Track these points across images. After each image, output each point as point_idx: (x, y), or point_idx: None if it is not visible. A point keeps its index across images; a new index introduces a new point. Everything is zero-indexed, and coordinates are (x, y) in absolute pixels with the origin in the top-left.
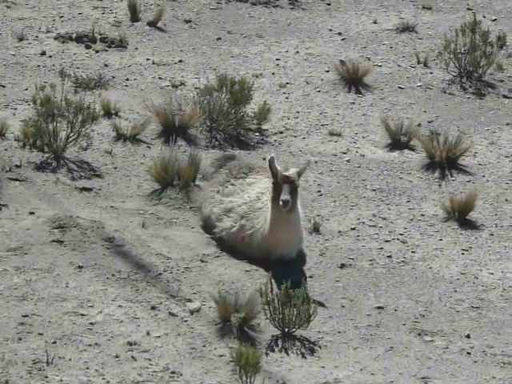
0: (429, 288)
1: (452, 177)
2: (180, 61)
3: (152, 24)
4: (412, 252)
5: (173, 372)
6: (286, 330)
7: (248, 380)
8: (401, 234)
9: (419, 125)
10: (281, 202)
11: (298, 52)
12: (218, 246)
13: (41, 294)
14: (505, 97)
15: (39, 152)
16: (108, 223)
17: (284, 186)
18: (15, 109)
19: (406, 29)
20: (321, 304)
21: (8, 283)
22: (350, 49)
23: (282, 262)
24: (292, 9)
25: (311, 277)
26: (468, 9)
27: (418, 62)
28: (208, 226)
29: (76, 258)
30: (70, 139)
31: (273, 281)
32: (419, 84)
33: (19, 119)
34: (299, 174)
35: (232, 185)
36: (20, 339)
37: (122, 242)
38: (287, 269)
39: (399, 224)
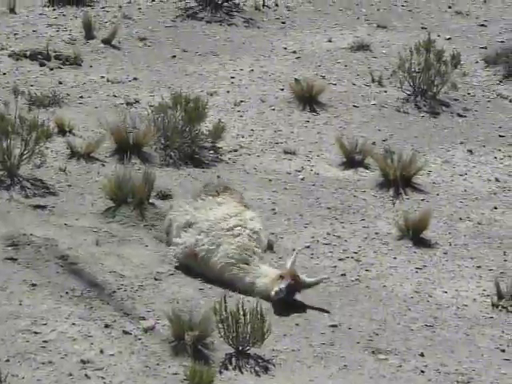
0: (383, 306)
1: (406, 195)
2: (134, 78)
3: (106, 42)
4: (366, 270)
5: None
6: (240, 348)
7: None
8: (355, 253)
9: (373, 143)
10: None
11: (252, 70)
12: (171, 264)
13: None
14: (459, 115)
15: None
16: (62, 241)
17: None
18: None
19: (361, 47)
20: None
21: None
22: (305, 67)
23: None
24: (247, 27)
25: None
26: (422, 27)
27: (373, 81)
28: (167, 233)
29: (30, 276)
30: (23, 157)
31: (227, 299)
32: (374, 102)
33: None
34: None
35: (202, 199)
36: None
37: (76, 259)
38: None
39: (353, 242)
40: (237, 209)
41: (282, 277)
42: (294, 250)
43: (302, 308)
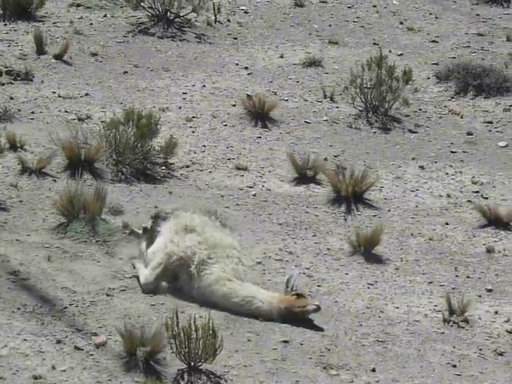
0: (334, 322)
1: (358, 211)
2: (86, 94)
3: (58, 57)
4: (318, 286)
5: None
6: (192, 363)
7: None
8: (307, 268)
9: (325, 159)
10: None
11: (204, 86)
12: (123, 280)
13: None
14: (410, 131)
15: None
16: (13, 256)
17: None
18: None
19: (313, 63)
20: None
21: None
22: (257, 83)
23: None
24: (199, 43)
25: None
26: (374, 43)
27: (325, 97)
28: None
29: None
30: None
31: (179, 314)
32: (325, 118)
33: None
34: None
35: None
36: None
37: (28, 275)
38: (193, 303)
39: (305, 258)
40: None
41: (299, 295)
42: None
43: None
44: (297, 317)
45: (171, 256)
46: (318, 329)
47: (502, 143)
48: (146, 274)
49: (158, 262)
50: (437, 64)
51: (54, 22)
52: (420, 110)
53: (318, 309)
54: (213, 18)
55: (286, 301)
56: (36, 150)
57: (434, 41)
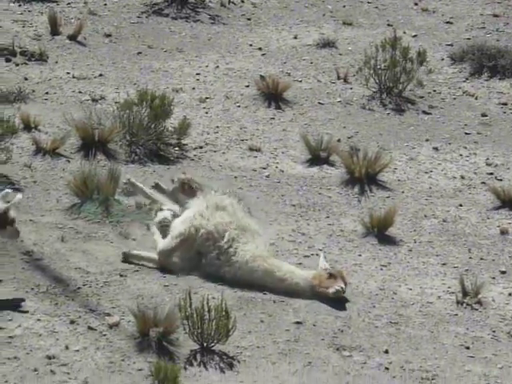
0: (347, 303)
1: (371, 192)
2: (100, 75)
3: (72, 38)
4: (331, 267)
5: None
6: (205, 344)
7: None
8: (320, 250)
9: (339, 140)
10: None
11: (218, 67)
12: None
13: None
14: (424, 113)
15: None
16: (27, 237)
17: None
18: None
19: (327, 44)
20: None
21: None
22: (270, 64)
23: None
24: (212, 23)
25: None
26: (388, 25)
27: (338, 78)
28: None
29: None
30: None
31: (192, 295)
32: (339, 100)
33: None
34: None
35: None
36: None
37: (41, 255)
38: (206, 283)
39: (318, 239)
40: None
41: (331, 275)
42: (320, 250)
43: None
44: (323, 296)
45: (199, 229)
46: (333, 310)
47: None
48: (165, 241)
49: (181, 231)
50: (451, 45)
51: (69, 3)
52: (434, 91)
53: (338, 292)
54: None
55: (318, 279)
56: (50, 130)
57: (448, 22)
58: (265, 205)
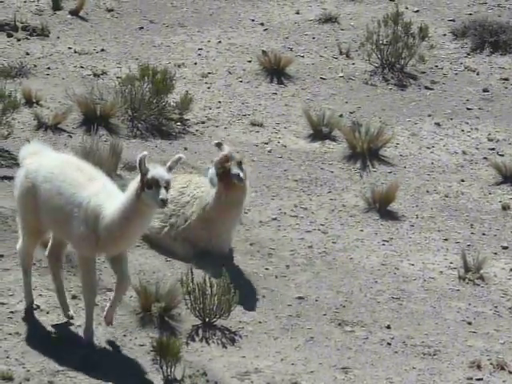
0: (349, 278)
1: (373, 168)
2: (102, 50)
3: (74, 13)
4: (333, 242)
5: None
6: (207, 319)
7: (168, 369)
8: (322, 225)
9: (341, 115)
10: None
11: (220, 42)
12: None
13: None
14: (426, 88)
15: None
16: None
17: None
18: None
19: (329, 19)
20: None
21: None
22: (273, 39)
23: (204, 254)
24: None
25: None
26: (390, 0)
27: (341, 53)
28: None
29: None
30: None
31: (193, 271)
32: (341, 75)
33: None
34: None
35: None
36: None
37: None
38: (208, 259)
39: (320, 214)
40: (186, 177)
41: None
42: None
43: None
44: None
45: None
46: (334, 285)
47: None
48: None
49: None
50: (453, 20)
51: None
52: (436, 66)
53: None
54: None
55: None
56: (52, 105)
57: None
58: (267, 180)
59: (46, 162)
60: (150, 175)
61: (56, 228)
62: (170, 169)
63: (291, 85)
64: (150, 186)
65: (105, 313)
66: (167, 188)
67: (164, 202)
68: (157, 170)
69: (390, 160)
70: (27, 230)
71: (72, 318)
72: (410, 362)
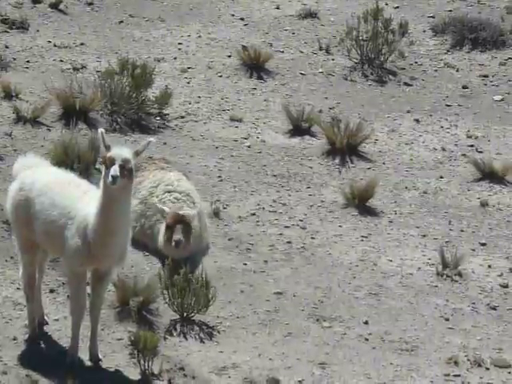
0: (328, 274)
1: (352, 163)
2: (82, 44)
3: (54, 6)
4: (311, 238)
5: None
6: (185, 314)
7: (146, 364)
8: (300, 220)
9: (320, 111)
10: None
11: (200, 36)
12: None
13: None
14: (406, 84)
15: None
16: (6, 206)
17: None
18: None
19: (309, 15)
20: None
21: None
22: (253, 34)
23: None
24: None
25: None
26: None
27: (320, 49)
28: None
29: None
30: None
31: (171, 265)
32: (321, 70)
33: None
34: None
35: None
36: None
37: None
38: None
39: (299, 210)
40: (157, 175)
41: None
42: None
43: None
44: None
45: None
46: (313, 281)
47: (497, 97)
48: None
49: None
50: (433, 17)
51: None
52: (416, 63)
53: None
54: None
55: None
56: (31, 99)
57: None
58: (246, 175)
59: (41, 175)
60: (108, 154)
61: (48, 242)
62: (137, 153)
63: (271, 80)
64: (108, 165)
65: (89, 343)
66: (124, 167)
67: (113, 179)
68: (115, 149)
69: (369, 156)
70: (24, 248)
71: (47, 323)
72: (387, 357)
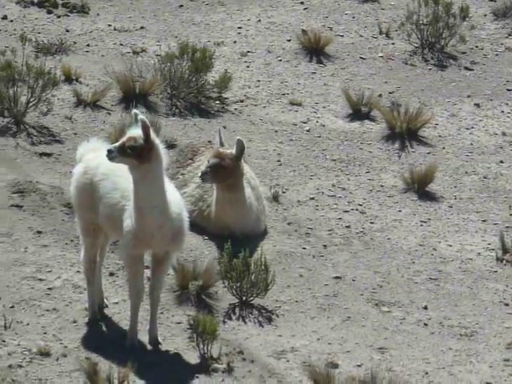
0: (387, 259)
1: (412, 148)
2: (142, 27)
3: None
4: (371, 223)
5: None
6: (244, 298)
7: (205, 347)
8: (360, 205)
9: (380, 95)
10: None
11: (259, 21)
12: None
13: None
14: (466, 69)
15: None
16: (67, 189)
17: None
18: None
19: None
20: None
21: None
22: (312, 18)
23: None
24: None
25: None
26: None
27: (380, 33)
28: None
29: (35, 223)
30: (30, 104)
31: (231, 249)
32: (381, 55)
33: None
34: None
35: (182, 174)
36: None
37: None
38: (246, 238)
39: (358, 194)
40: None
41: None
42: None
43: None
44: None
45: None
46: (372, 265)
47: None
48: None
49: None
50: (494, 1)
51: None
52: (476, 47)
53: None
54: None
55: None
56: (91, 82)
57: None
58: (305, 159)
59: (105, 159)
60: None
61: (110, 225)
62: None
63: (330, 64)
64: None
65: (148, 326)
66: (125, 144)
67: (108, 152)
68: (131, 129)
69: (428, 141)
70: (86, 231)
71: (107, 306)
72: (446, 342)
